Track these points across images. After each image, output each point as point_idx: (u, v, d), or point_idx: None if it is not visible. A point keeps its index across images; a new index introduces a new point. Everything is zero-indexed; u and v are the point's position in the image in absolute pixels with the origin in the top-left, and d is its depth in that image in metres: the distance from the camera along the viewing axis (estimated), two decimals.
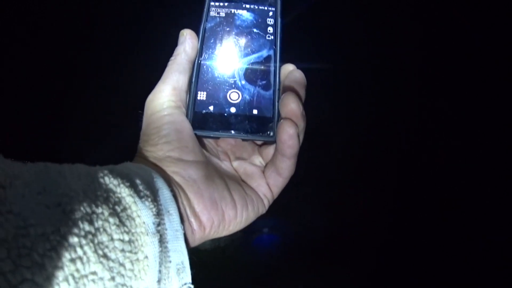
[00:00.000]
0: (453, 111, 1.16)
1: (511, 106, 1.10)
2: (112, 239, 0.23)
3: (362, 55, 1.15)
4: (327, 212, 1.08)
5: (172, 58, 0.32)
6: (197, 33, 0.34)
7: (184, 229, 0.27)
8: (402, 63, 1.16)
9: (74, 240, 0.20)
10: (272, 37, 0.34)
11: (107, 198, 0.24)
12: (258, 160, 0.33)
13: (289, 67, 0.33)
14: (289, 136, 0.29)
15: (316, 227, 1.05)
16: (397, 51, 1.17)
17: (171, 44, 0.35)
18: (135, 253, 0.23)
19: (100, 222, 0.22)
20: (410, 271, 1.04)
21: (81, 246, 0.20)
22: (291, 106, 0.30)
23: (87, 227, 0.21)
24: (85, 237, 0.21)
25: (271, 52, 0.34)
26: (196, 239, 0.29)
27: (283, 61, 0.34)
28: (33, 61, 1.07)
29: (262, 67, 0.33)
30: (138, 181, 0.26)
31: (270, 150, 0.32)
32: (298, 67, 0.33)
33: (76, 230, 0.21)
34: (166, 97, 0.31)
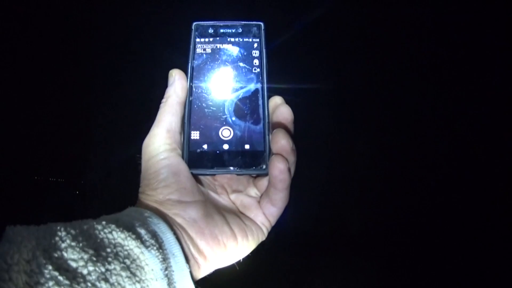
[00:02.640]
0: (452, 114, 1.17)
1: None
2: None
3: (362, 72, 1.15)
4: (329, 211, 1.11)
5: (164, 100, 0.33)
6: (185, 72, 0.35)
7: (190, 267, 0.30)
8: (402, 78, 1.17)
9: None
10: (258, 69, 0.35)
11: (117, 254, 0.26)
12: (254, 191, 0.35)
13: (276, 100, 0.34)
14: (280, 171, 0.31)
15: (320, 226, 1.09)
16: (398, 67, 1.17)
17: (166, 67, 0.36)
18: None
19: (114, 278, 0.25)
20: (412, 271, 1.08)
21: None
22: (282, 143, 0.31)
23: (104, 285, 0.24)
24: None
25: (259, 86, 0.35)
26: (202, 273, 0.32)
27: (273, 91, 0.35)
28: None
29: (251, 102, 0.34)
30: (143, 232, 0.28)
31: (264, 182, 0.34)
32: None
33: None
34: (161, 141, 0.32)
